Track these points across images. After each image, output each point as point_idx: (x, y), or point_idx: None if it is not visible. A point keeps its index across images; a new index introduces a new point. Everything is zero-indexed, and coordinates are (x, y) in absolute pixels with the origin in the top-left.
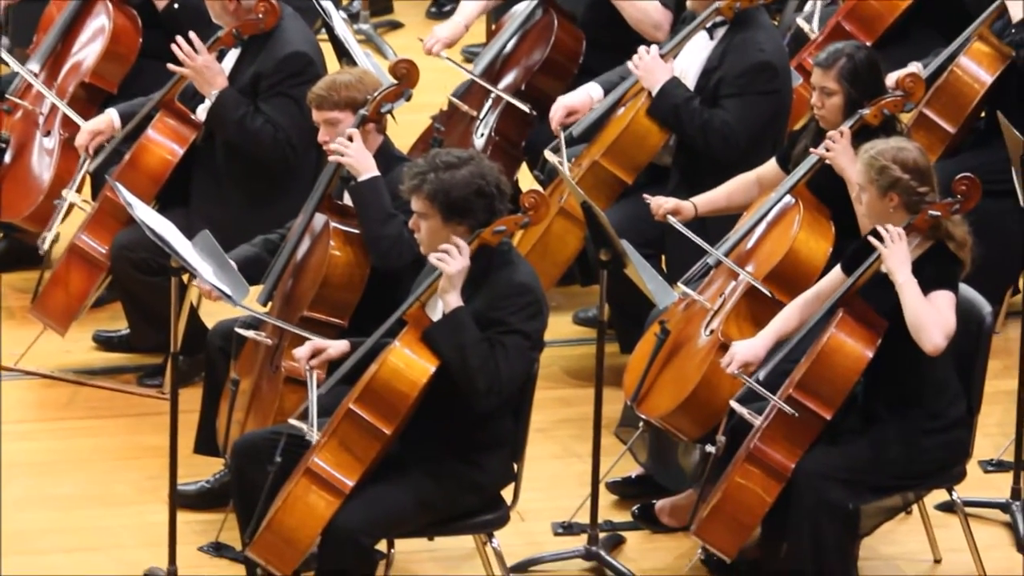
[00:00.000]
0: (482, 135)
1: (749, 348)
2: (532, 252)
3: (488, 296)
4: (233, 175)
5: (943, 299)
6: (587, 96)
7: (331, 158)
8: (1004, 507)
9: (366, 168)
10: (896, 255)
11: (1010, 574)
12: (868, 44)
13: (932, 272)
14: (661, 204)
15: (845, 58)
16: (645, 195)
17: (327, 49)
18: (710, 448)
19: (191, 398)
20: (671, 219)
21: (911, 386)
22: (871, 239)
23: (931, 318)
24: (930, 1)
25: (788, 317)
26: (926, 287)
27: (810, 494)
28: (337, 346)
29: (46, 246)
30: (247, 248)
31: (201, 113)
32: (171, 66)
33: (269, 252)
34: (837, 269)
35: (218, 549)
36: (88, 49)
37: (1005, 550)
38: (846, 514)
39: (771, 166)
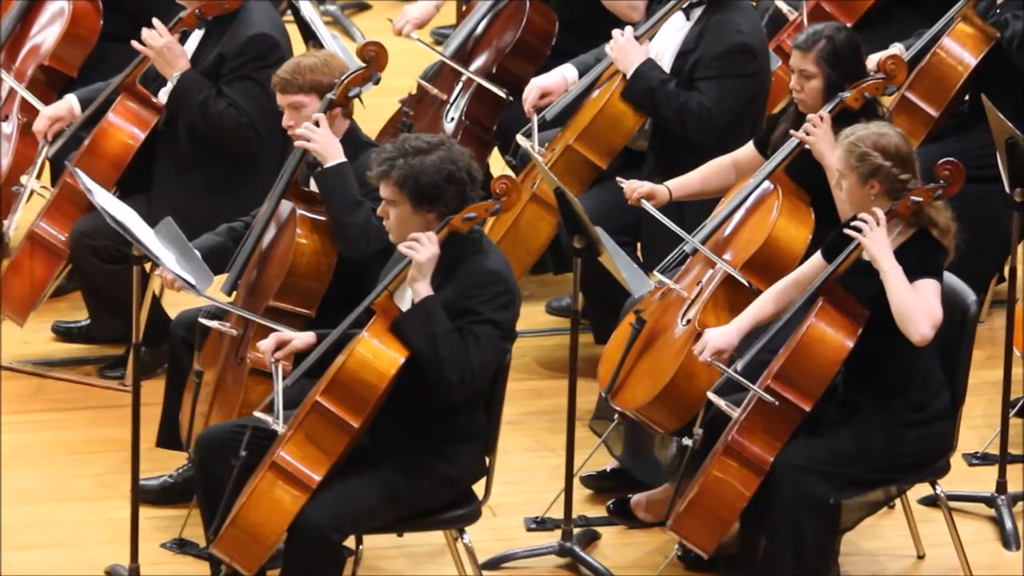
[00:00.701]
0: (452, 119)
1: (722, 335)
2: (504, 239)
3: (459, 285)
4: (196, 160)
5: (928, 287)
6: (561, 78)
7: (297, 143)
8: (989, 501)
9: (333, 154)
10: (878, 242)
11: (995, 570)
12: (848, 25)
13: (916, 260)
14: (635, 188)
15: (825, 40)
16: (619, 179)
17: (293, 31)
18: (687, 441)
19: (153, 390)
20: (645, 204)
21: (893, 377)
22: (849, 230)
23: (918, 307)
24: None
25: (764, 303)
26: (910, 275)
27: (790, 488)
28: (303, 338)
29: (11, 233)
30: (211, 237)
31: (163, 96)
32: (135, 43)
33: (234, 241)
34: (817, 256)
35: (181, 546)
36: (47, 31)
37: (990, 545)
38: (827, 508)
39: (748, 150)
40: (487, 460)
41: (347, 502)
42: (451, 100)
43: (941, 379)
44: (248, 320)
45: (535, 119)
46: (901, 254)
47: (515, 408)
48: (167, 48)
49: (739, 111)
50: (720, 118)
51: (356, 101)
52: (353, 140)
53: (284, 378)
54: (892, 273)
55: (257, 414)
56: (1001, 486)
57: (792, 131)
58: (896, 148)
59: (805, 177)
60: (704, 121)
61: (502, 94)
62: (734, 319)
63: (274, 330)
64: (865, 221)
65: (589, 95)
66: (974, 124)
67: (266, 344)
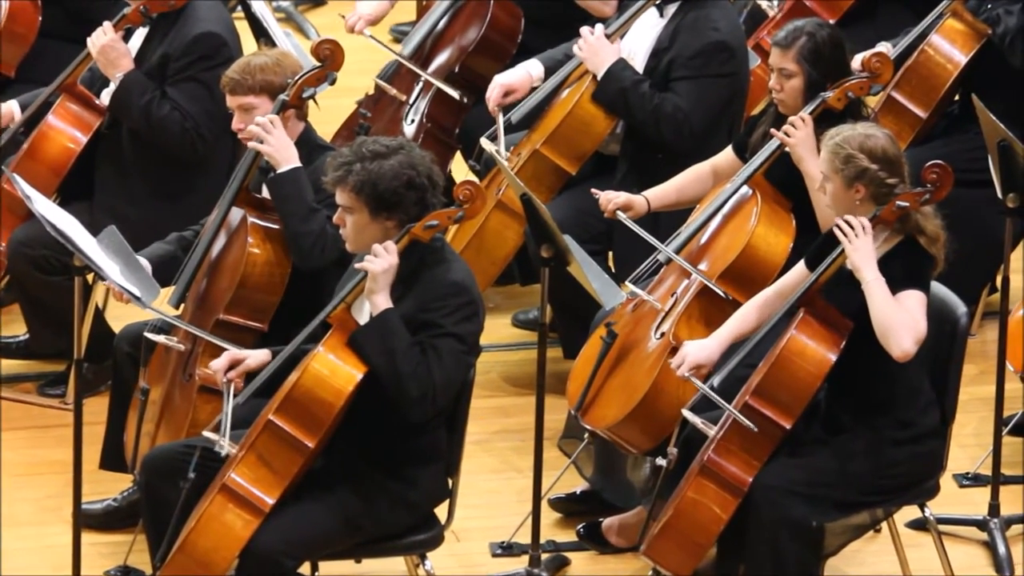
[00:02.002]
0: (412, 121)
1: (701, 349)
2: (467, 249)
3: (419, 297)
4: (141, 166)
5: (913, 299)
6: (526, 74)
7: (250, 144)
8: (981, 525)
9: (286, 158)
10: (861, 250)
11: None
12: (831, 22)
13: (901, 269)
14: (611, 199)
15: (806, 37)
16: (593, 190)
17: (243, 28)
18: (661, 461)
19: (97, 409)
20: (621, 215)
21: (879, 393)
22: (836, 231)
23: (900, 321)
24: None
25: (745, 316)
26: (895, 286)
27: (769, 510)
28: (257, 356)
29: None
30: (160, 246)
31: (105, 98)
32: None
33: (184, 250)
34: (800, 265)
35: (126, 573)
36: None
37: (983, 572)
38: (809, 532)
39: (727, 155)
40: (450, 482)
41: (302, 527)
42: (411, 101)
43: (930, 395)
44: (196, 335)
45: (501, 121)
46: (886, 263)
47: (479, 427)
48: (110, 47)
49: (717, 113)
50: (697, 121)
51: (311, 102)
52: (307, 143)
53: (235, 396)
54: (874, 285)
55: (207, 434)
56: (994, 508)
57: (773, 130)
58: (884, 150)
59: (786, 182)
60: (680, 124)
61: (457, 96)
62: (714, 332)
63: (223, 348)
64: (851, 226)
65: (557, 96)
66: (964, 125)
67: (218, 363)
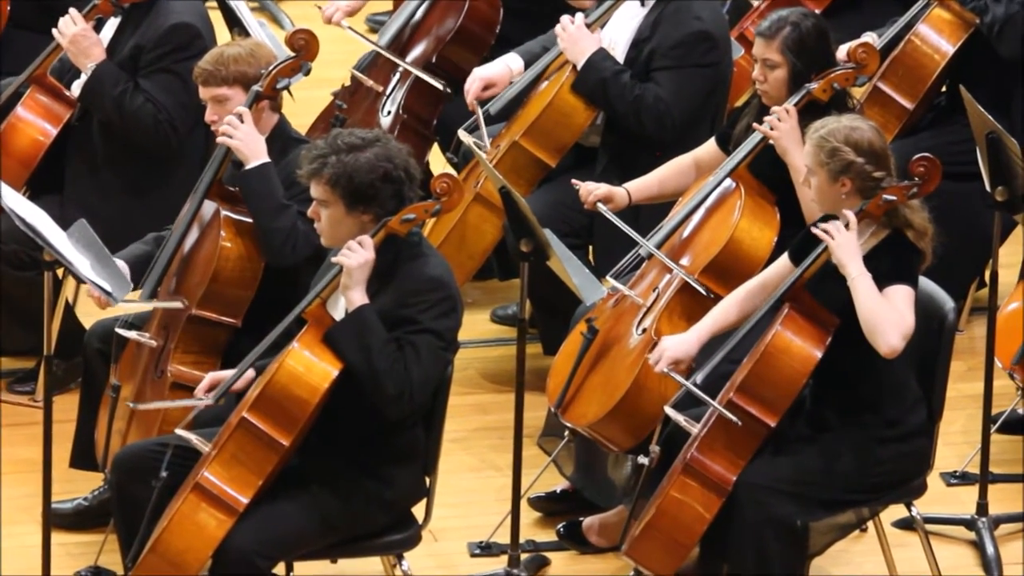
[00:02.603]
0: (389, 113)
1: (680, 343)
2: (445, 243)
3: (396, 292)
4: (112, 159)
5: (900, 295)
6: (506, 68)
7: (219, 140)
8: (969, 524)
9: (255, 153)
10: (846, 246)
11: None
12: (816, 11)
13: (888, 264)
14: (591, 191)
15: (790, 27)
16: (574, 181)
17: (216, 18)
18: (643, 459)
19: (67, 406)
20: (601, 207)
21: (865, 390)
22: (816, 230)
23: (887, 317)
24: None
25: (727, 309)
26: (881, 281)
27: (754, 509)
28: (244, 379)
29: None
30: (138, 246)
31: (76, 89)
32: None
33: None
34: (784, 258)
35: (97, 574)
36: None
37: (970, 571)
38: (794, 531)
39: (710, 147)
40: (427, 481)
41: (276, 527)
42: (387, 92)
43: (917, 392)
44: (169, 330)
45: (479, 112)
46: (873, 258)
47: (457, 424)
48: (81, 36)
49: (699, 104)
50: (678, 112)
51: (285, 94)
52: (282, 136)
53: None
54: (859, 281)
55: (179, 432)
56: (982, 507)
57: (755, 124)
58: (869, 143)
59: (770, 175)
60: (661, 115)
61: (440, 86)
62: (693, 326)
63: (195, 343)
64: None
65: (536, 87)
66: (952, 117)
67: (200, 385)
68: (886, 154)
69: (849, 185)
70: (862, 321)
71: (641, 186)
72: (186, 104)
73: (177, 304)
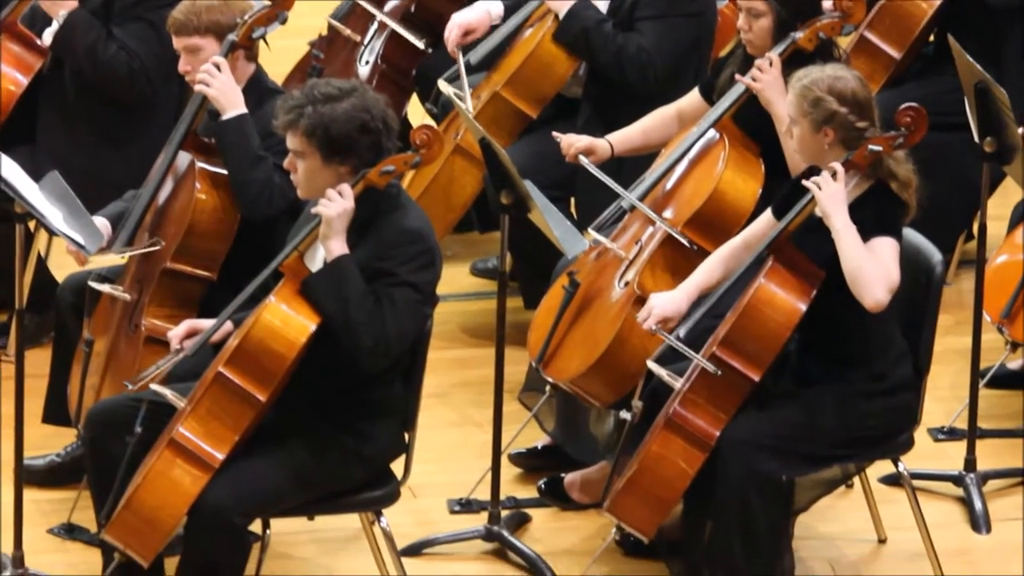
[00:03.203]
0: (367, 63)
1: (669, 301)
2: (424, 195)
3: (375, 244)
4: (84, 110)
5: (885, 247)
6: (485, 13)
7: (196, 88)
8: (956, 480)
9: (232, 104)
10: (833, 197)
11: (963, 555)
12: None
13: (872, 216)
14: (572, 143)
15: None
16: (555, 133)
17: None
18: (625, 414)
19: (39, 361)
20: (583, 160)
21: (850, 344)
22: (805, 182)
23: (872, 270)
24: None
25: (712, 267)
26: (865, 233)
27: (737, 465)
28: (223, 330)
29: None
30: (118, 204)
31: (48, 38)
32: None
33: None
34: (768, 214)
35: (70, 531)
36: None
37: (958, 528)
38: (778, 487)
39: (693, 98)
40: (406, 436)
41: (252, 483)
42: (365, 42)
43: (903, 346)
44: (143, 284)
45: (461, 61)
46: (857, 209)
47: (437, 379)
48: None
49: (682, 54)
50: (662, 62)
51: (261, 43)
52: (257, 87)
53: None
54: (844, 232)
55: (154, 386)
56: (970, 463)
57: (738, 76)
58: (853, 93)
59: (754, 126)
60: (644, 66)
61: (419, 43)
62: (681, 284)
63: (169, 297)
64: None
65: (518, 37)
66: (940, 67)
67: (177, 330)
68: (870, 104)
69: (832, 135)
70: (847, 274)
71: (624, 138)
72: (160, 54)
73: (155, 247)
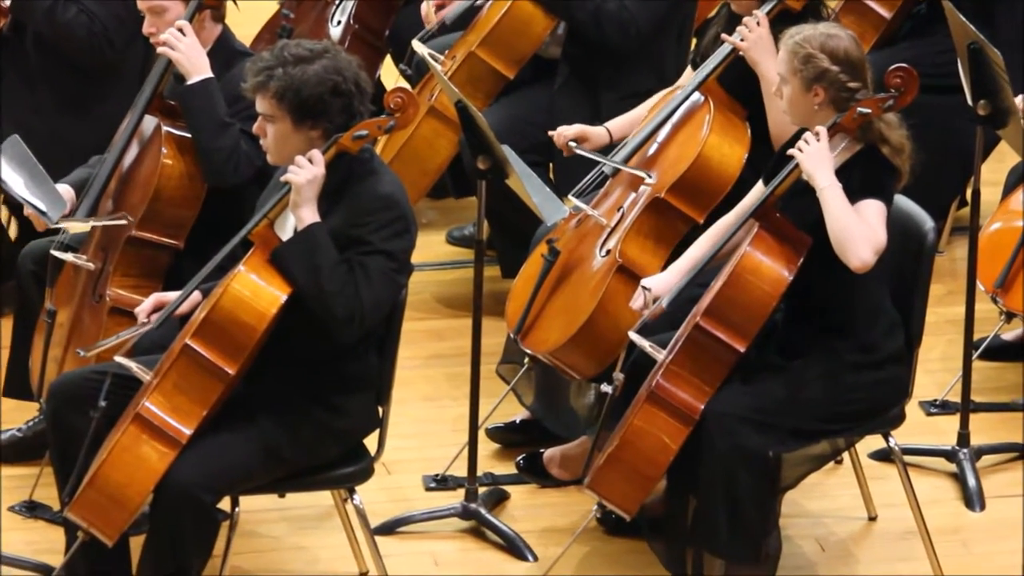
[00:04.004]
0: (338, 23)
1: (660, 284)
2: (397, 159)
3: (346, 211)
4: (47, 72)
5: (872, 208)
6: None
7: (160, 51)
8: (949, 455)
9: (197, 68)
10: (815, 156)
11: (956, 533)
12: None
13: (859, 179)
14: (562, 133)
15: None
16: (550, 132)
17: None
18: (606, 387)
19: None
20: (575, 147)
21: (839, 314)
22: (793, 149)
23: (856, 230)
24: None
25: (704, 246)
26: (852, 196)
27: (722, 439)
28: (188, 301)
29: None
30: (83, 170)
31: None
32: None
33: None
34: (759, 185)
35: (32, 509)
36: None
37: (950, 505)
38: (765, 462)
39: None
40: (380, 410)
41: (221, 459)
42: (337, 1)
43: (893, 316)
44: (107, 252)
45: (434, 21)
46: (844, 172)
47: (412, 352)
48: None
49: (664, 13)
50: (643, 21)
51: (228, 3)
52: (225, 48)
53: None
54: (829, 191)
55: (119, 359)
56: (963, 438)
57: (724, 36)
58: (846, 52)
59: (741, 88)
60: (625, 24)
61: None
62: (672, 265)
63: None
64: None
65: None
66: (932, 27)
67: (145, 304)
68: (863, 65)
69: (823, 95)
70: (831, 233)
71: (623, 124)
72: (122, 16)
73: (121, 220)
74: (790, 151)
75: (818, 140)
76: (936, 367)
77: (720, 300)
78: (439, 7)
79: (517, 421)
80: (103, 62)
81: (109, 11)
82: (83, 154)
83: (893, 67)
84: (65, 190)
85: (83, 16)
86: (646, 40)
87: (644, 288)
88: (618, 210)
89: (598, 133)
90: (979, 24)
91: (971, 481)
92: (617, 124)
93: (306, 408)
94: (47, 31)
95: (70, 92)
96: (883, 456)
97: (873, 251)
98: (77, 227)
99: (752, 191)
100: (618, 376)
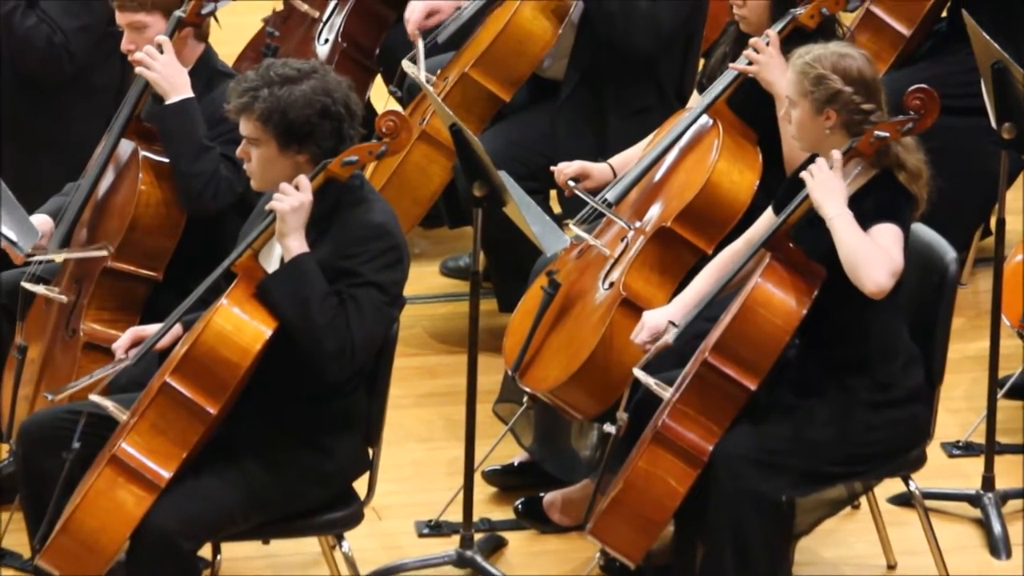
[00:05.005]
0: (326, 41)
1: (664, 317)
2: (388, 186)
3: (336, 241)
4: (13, 88)
5: (886, 232)
6: None
7: (136, 70)
8: (973, 500)
9: (175, 88)
10: (825, 184)
11: None
12: None
13: (873, 204)
14: (562, 170)
15: None
16: (552, 167)
17: None
18: (610, 428)
19: None
20: (575, 188)
21: (854, 349)
22: (804, 174)
23: (870, 253)
24: None
25: (711, 276)
26: (865, 221)
27: (730, 482)
28: (170, 334)
29: None
30: (58, 199)
31: None
32: None
33: None
34: (769, 212)
35: (1, 557)
36: None
37: (975, 552)
38: (777, 508)
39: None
40: (370, 452)
41: (201, 504)
42: (325, 18)
43: (913, 352)
44: (82, 284)
45: (421, 47)
46: (858, 199)
47: (403, 389)
48: None
49: (683, 19)
50: (666, 26)
51: (211, 20)
52: (207, 68)
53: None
54: (838, 220)
55: (94, 398)
56: (988, 481)
57: (732, 64)
58: (859, 72)
59: (751, 111)
60: (655, 23)
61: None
62: (677, 296)
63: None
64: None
65: (488, 13)
66: (953, 46)
67: (120, 341)
68: (877, 86)
69: (834, 118)
70: (843, 260)
71: (627, 159)
72: (87, 27)
73: (101, 252)
74: (802, 174)
75: (831, 166)
76: (959, 406)
77: (730, 335)
78: (425, 33)
79: (515, 463)
80: (59, 74)
81: (73, 23)
82: (54, 181)
83: (913, 88)
84: (43, 220)
85: (44, 26)
86: (667, 45)
87: (646, 320)
88: (622, 240)
89: (600, 169)
90: (1003, 41)
91: (996, 527)
92: (621, 160)
93: (292, 449)
94: (4, 40)
95: (39, 110)
96: (903, 501)
97: (889, 274)
98: (54, 258)
99: (762, 217)
100: (622, 416)
